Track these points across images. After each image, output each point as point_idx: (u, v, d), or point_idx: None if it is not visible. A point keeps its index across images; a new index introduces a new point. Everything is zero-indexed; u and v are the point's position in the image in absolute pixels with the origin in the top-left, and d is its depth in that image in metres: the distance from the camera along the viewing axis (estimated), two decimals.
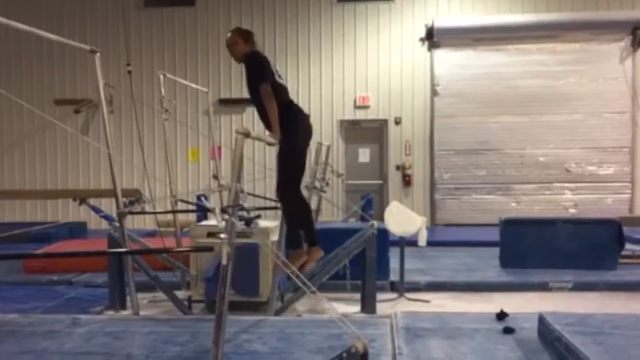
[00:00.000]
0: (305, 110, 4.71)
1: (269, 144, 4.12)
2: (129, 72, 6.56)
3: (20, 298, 6.04)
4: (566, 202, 11.80)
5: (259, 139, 3.70)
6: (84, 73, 11.97)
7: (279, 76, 4.55)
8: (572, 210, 11.63)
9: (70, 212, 11.88)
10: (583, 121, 11.72)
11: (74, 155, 12.47)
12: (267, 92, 4.26)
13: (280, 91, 4.41)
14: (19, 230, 7.04)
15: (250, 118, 11.40)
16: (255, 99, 4.43)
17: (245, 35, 4.62)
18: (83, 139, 11.59)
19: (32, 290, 6.40)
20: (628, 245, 7.50)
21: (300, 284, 3.44)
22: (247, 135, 3.09)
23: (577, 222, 7.61)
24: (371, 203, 9.37)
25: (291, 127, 4.35)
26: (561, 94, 11.69)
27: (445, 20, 11.74)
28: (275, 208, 6.54)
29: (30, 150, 12.57)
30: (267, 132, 4.42)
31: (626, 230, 7.37)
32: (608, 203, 11.69)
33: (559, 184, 11.84)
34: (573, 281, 6.54)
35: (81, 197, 8.61)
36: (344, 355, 2.86)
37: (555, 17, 11.60)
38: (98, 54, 4.95)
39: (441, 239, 9.27)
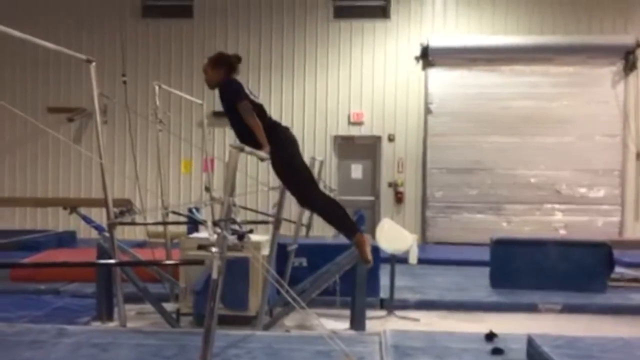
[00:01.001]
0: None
1: (262, 160, 4.12)
2: (124, 82, 6.58)
3: (6, 307, 5.98)
4: (556, 223, 11.84)
5: (252, 153, 3.71)
6: (79, 81, 11.94)
7: (255, 96, 4.56)
8: (562, 232, 11.66)
9: (60, 221, 11.81)
10: (574, 143, 11.80)
11: (66, 164, 12.41)
12: (247, 108, 4.26)
13: (258, 109, 4.40)
14: (8, 240, 6.99)
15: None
16: (235, 121, 4.42)
17: (214, 62, 4.62)
18: (75, 148, 11.54)
19: (18, 299, 6.34)
20: (617, 269, 7.53)
21: (289, 299, 3.43)
22: (241, 150, 3.10)
23: (568, 243, 7.64)
24: (363, 219, 9.32)
25: (276, 139, 4.33)
26: (554, 116, 11.78)
27: (440, 39, 11.83)
28: (266, 222, 6.54)
29: (22, 158, 12.50)
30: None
31: (616, 253, 7.40)
32: (598, 225, 11.73)
33: (549, 205, 11.89)
34: (562, 303, 6.56)
35: (71, 205, 8.55)
36: None
37: (549, 40, 11.73)
38: (94, 64, 4.95)
39: (432, 257, 9.27)
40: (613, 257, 7.22)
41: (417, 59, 12.01)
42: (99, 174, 5.52)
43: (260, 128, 4.24)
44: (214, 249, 2.92)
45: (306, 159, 4.88)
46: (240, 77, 4.65)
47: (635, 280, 7.69)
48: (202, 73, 4.70)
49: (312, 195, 4.48)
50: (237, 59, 4.68)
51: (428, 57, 11.85)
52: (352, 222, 4.56)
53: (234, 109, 4.33)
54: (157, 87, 6.29)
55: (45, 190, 12.39)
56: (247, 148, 3.53)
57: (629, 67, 11.68)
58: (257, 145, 4.16)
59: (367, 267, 4.73)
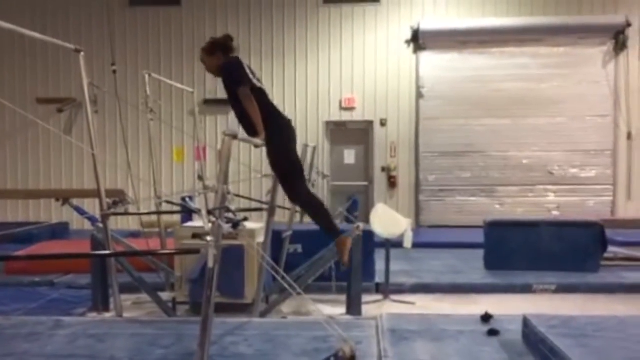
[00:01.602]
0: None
1: (256, 146, 4.10)
2: (114, 71, 6.52)
3: (1, 300, 5.96)
4: (549, 204, 11.91)
5: (246, 140, 3.69)
6: (67, 72, 11.86)
7: (258, 80, 4.51)
8: (555, 213, 11.73)
9: (53, 213, 11.77)
10: (566, 124, 11.84)
11: (57, 155, 12.34)
12: (246, 95, 4.22)
13: (259, 94, 4.36)
14: (1, 233, 6.95)
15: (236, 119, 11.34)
16: (236, 105, 4.39)
17: (209, 50, 4.56)
18: (66, 139, 11.47)
19: (13, 292, 6.32)
20: (610, 248, 7.57)
21: (285, 285, 3.43)
22: (234, 137, 3.08)
23: (561, 224, 7.66)
24: (357, 205, 9.40)
25: (273, 128, 4.30)
26: (545, 97, 11.80)
27: (431, 22, 11.79)
28: (260, 210, 6.53)
29: (12, 150, 12.42)
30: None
31: (608, 232, 7.44)
32: (590, 205, 11.81)
33: (542, 187, 11.95)
34: (556, 283, 6.59)
35: (64, 197, 8.52)
36: (332, 359, 2.86)
37: (539, 21, 11.71)
38: (82, 53, 4.90)
39: (426, 240, 9.27)
40: (605, 236, 7.25)
41: (407, 42, 11.98)
42: (90, 164, 5.49)
43: (258, 114, 4.20)
44: (209, 238, 2.91)
45: (299, 145, 4.86)
46: None
47: (627, 259, 7.75)
48: (192, 61, 4.70)
49: (299, 190, 4.50)
50: (230, 38, 4.67)
51: (419, 40, 11.82)
52: (334, 225, 4.61)
53: (237, 96, 4.30)
54: (147, 76, 6.25)
55: (37, 182, 12.32)
56: (241, 135, 3.51)
57: (619, 47, 11.68)
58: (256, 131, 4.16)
59: (343, 268, 4.93)
